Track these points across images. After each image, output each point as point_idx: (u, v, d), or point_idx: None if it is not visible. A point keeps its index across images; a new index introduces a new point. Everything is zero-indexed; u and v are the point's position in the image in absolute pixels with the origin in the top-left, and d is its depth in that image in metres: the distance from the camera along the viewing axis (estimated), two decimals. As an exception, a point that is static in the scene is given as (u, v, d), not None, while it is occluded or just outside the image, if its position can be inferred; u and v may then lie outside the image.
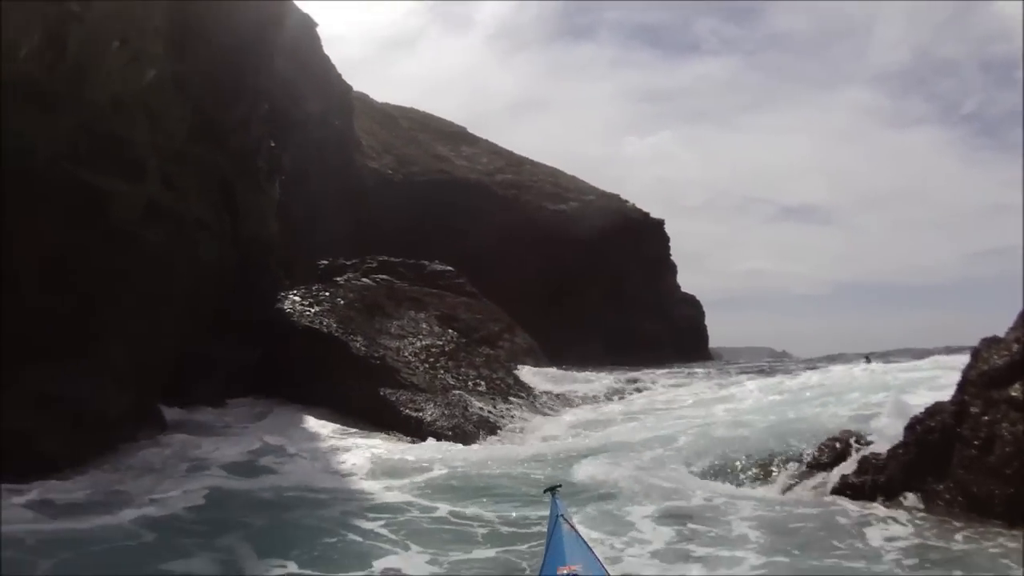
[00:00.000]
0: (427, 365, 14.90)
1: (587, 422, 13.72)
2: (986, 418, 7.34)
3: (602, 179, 67.71)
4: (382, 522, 7.22)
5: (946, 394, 8.05)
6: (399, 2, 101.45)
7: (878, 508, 7.54)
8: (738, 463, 9.31)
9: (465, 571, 6.02)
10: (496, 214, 36.16)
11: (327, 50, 30.93)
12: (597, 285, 36.93)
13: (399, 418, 12.78)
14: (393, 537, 6.80)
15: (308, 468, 9.67)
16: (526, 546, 6.47)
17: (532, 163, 43.10)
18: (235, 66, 11.57)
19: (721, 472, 9.20)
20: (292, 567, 5.98)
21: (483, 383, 15.20)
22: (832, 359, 24.10)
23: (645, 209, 42.18)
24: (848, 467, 8.39)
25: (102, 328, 8.91)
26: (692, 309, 44.12)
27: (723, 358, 42.15)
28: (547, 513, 5.70)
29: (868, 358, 19.66)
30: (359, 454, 10.52)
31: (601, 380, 18.07)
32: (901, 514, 7.32)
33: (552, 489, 5.89)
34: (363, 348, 14.27)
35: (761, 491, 8.59)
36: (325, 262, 18.88)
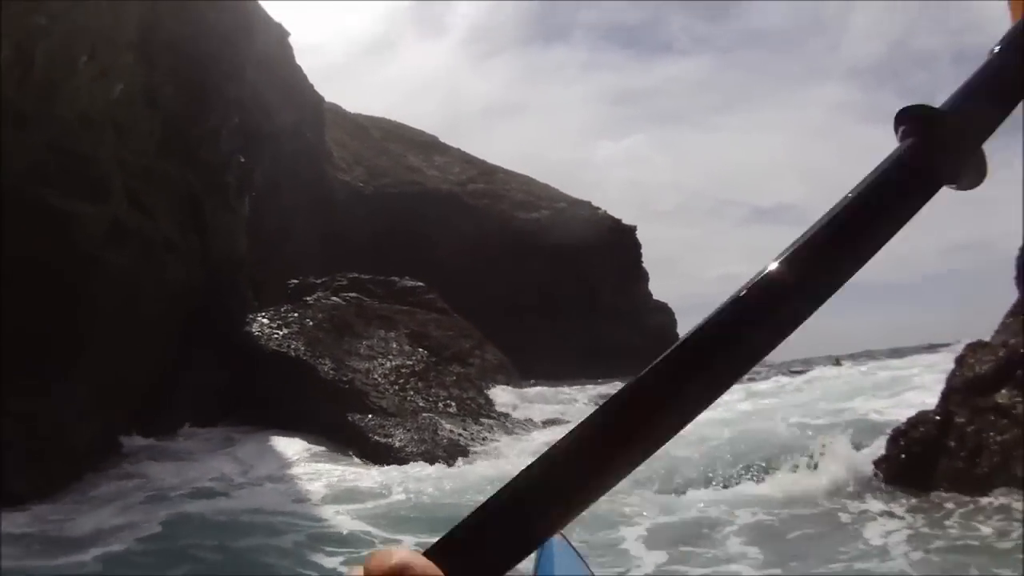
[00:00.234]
0: (396, 387, 14.69)
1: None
2: (972, 428, 7.11)
3: (577, 184, 67.68)
4: (341, 556, 7.07)
5: (922, 395, 7.85)
6: (373, 2, 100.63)
7: (868, 512, 7.37)
8: (713, 473, 9.28)
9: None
10: (467, 224, 35.97)
11: (300, 60, 30.57)
12: (569, 295, 36.85)
13: (367, 444, 12.57)
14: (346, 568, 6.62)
15: (270, 494, 9.52)
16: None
17: (505, 171, 42.91)
18: (205, 75, 11.33)
19: (699, 482, 9.17)
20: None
21: (453, 404, 15.01)
22: (807, 362, 24.08)
23: (618, 215, 42.03)
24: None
25: (67, 359, 8.63)
26: (665, 317, 44.12)
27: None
28: None
29: (838, 360, 19.79)
30: (323, 480, 10.40)
31: (574, 396, 17.94)
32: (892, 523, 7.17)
33: None
34: (331, 372, 14.04)
35: (746, 496, 8.49)
36: (295, 281, 18.57)
